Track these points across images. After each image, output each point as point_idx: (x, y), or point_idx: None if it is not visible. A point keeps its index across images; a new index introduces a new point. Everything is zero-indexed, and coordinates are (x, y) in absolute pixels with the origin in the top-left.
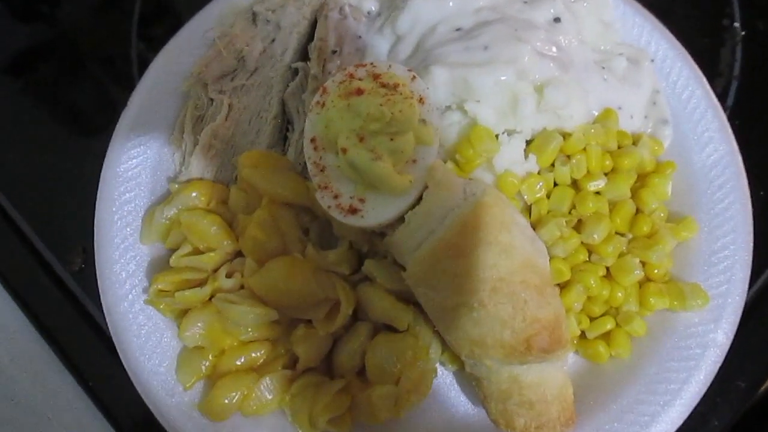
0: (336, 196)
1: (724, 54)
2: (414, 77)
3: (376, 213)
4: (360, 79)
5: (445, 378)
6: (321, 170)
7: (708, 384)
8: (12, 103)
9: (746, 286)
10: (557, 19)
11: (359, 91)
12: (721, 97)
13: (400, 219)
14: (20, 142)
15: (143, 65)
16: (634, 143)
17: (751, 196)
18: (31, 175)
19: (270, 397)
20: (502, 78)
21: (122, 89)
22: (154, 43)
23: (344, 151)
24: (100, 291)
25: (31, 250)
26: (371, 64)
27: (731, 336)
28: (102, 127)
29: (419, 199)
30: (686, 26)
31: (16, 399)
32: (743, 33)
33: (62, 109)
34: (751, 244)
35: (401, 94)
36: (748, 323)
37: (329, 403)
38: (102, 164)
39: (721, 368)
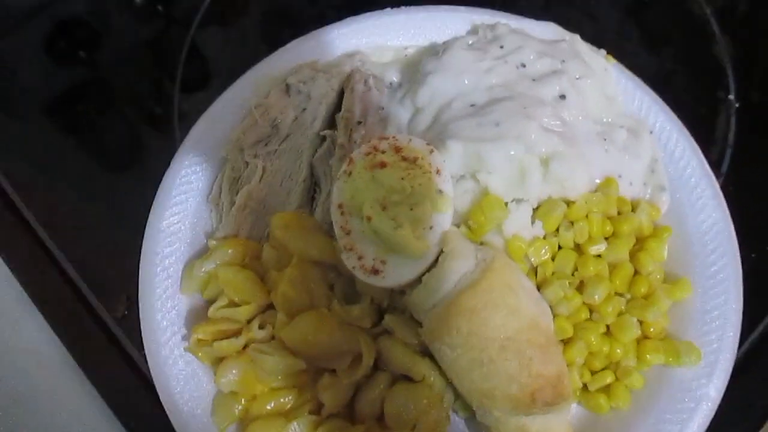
0: (360, 258)
1: (720, 124)
2: (432, 150)
3: (395, 274)
4: (383, 152)
5: (457, 424)
6: (347, 233)
7: None
8: (53, 144)
9: (736, 344)
10: (563, 96)
11: (383, 164)
12: (716, 165)
13: (418, 280)
14: (63, 184)
15: (182, 110)
16: (633, 209)
17: (742, 259)
18: (77, 219)
19: None
20: (511, 152)
21: (160, 133)
22: (191, 89)
23: (369, 218)
24: (142, 337)
25: (79, 297)
26: (393, 137)
27: (722, 391)
28: (141, 171)
29: (435, 261)
30: (684, 98)
31: None
32: (737, 105)
33: (103, 153)
34: (741, 305)
35: (420, 167)
36: (738, 379)
37: None
38: (143, 209)
39: (713, 421)
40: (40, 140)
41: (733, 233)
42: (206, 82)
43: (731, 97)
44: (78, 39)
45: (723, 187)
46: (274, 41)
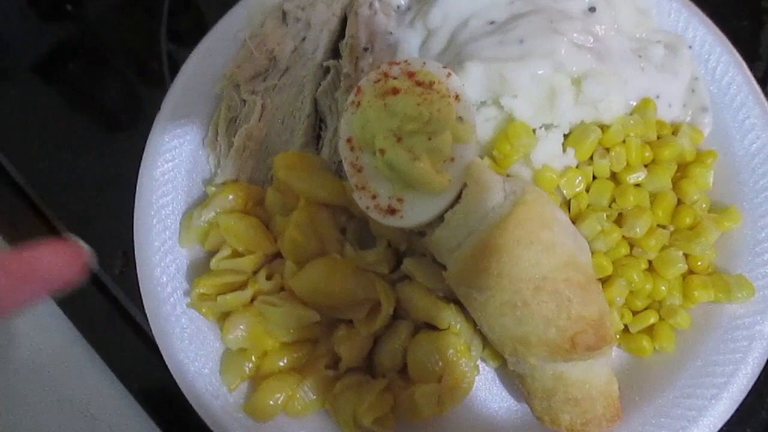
0: (374, 197)
1: (764, 37)
2: (449, 74)
3: (415, 213)
4: (395, 78)
5: (486, 374)
6: (358, 170)
7: (756, 376)
8: (43, 103)
9: None
10: (592, 9)
11: (395, 91)
12: (762, 81)
13: (440, 218)
14: (54, 143)
15: (172, 61)
16: (674, 133)
17: None
18: (68, 177)
19: (314, 397)
20: (539, 72)
21: (152, 86)
22: (182, 38)
23: (382, 152)
24: (142, 295)
25: None
26: (405, 61)
27: None
28: (134, 126)
29: (458, 197)
30: (724, 9)
31: (60, 399)
32: None
33: (94, 109)
34: None
35: (437, 92)
36: None
37: (373, 402)
38: (137, 165)
39: None
40: (30, 99)
41: None
42: (196, 28)
43: None
44: None
45: None
46: None
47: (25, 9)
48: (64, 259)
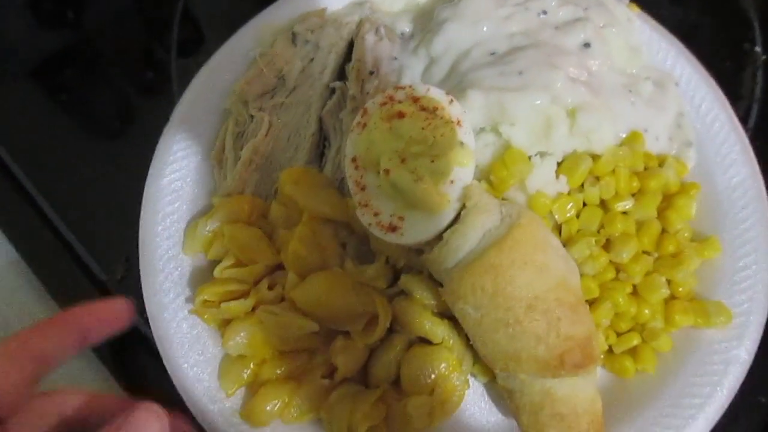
0: (376, 214)
1: (746, 77)
2: (451, 101)
3: (415, 231)
4: (400, 102)
5: (475, 389)
6: (362, 189)
7: (730, 399)
8: (44, 107)
9: None
10: (587, 45)
11: (401, 115)
12: (743, 120)
13: (438, 237)
14: (55, 147)
15: (180, 71)
16: (660, 165)
17: None
18: (73, 182)
19: (309, 405)
20: (537, 103)
21: (150, 95)
22: (183, 50)
23: (387, 171)
24: (144, 300)
25: (75, 259)
26: (410, 86)
27: (753, 353)
28: (132, 133)
29: (456, 218)
30: (709, 50)
31: None
32: (764, 57)
33: (93, 114)
34: None
35: (441, 117)
36: None
37: (367, 412)
38: (139, 171)
39: (742, 384)
40: (29, 103)
41: (763, 189)
42: (203, 40)
43: (758, 49)
44: None
45: (750, 143)
46: None
47: (26, 15)
48: (111, 316)
